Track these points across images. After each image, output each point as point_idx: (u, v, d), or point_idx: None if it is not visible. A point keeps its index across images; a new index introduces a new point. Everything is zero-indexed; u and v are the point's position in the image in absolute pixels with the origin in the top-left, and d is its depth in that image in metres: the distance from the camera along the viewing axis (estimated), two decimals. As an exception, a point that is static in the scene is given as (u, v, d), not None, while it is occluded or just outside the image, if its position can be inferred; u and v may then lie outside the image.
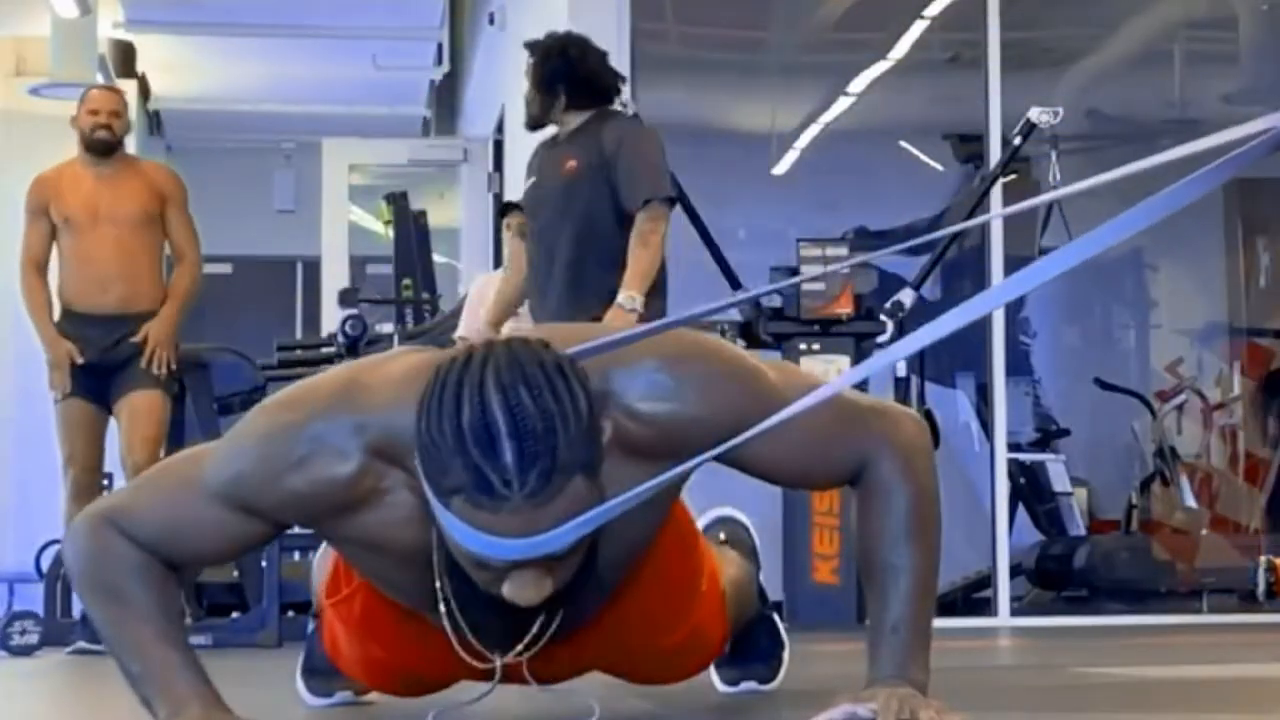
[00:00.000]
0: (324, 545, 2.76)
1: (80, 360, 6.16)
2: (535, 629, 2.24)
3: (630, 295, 5.26)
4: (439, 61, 12.04)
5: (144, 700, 2.20)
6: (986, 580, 7.97)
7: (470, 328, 7.29)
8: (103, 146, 6.41)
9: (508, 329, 7.17)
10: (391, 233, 10.25)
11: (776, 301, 7.23)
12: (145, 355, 6.17)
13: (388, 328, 8.76)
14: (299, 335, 11.72)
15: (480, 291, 7.78)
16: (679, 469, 1.94)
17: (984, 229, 7.93)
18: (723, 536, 3.07)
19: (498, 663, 2.30)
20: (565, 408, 1.89)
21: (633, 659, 2.70)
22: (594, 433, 1.93)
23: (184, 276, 6.38)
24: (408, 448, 2.00)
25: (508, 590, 1.97)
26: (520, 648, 2.26)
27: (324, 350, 8.06)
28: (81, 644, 5.96)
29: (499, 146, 10.43)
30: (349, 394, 2.14)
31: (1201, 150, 1.56)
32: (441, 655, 2.34)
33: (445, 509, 1.92)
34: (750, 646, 3.12)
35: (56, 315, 6.31)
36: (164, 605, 2.20)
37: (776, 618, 3.19)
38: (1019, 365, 9.60)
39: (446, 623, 2.22)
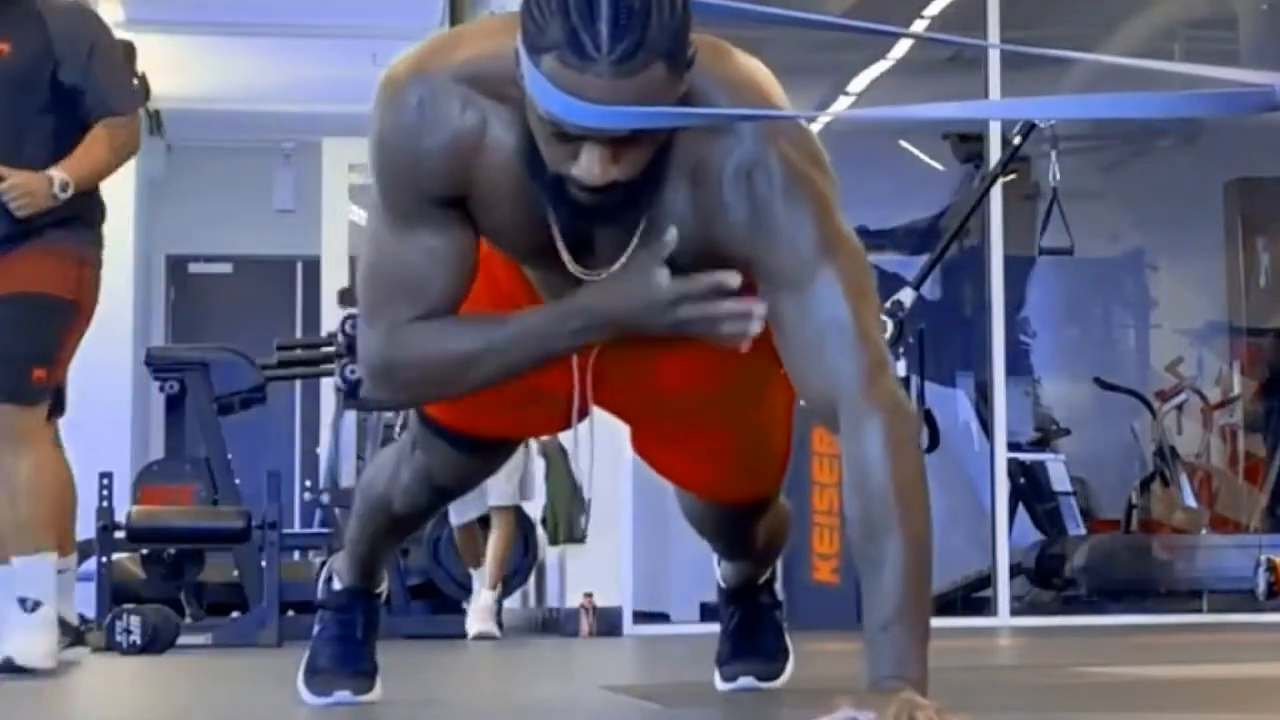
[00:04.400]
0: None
1: None
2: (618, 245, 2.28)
3: (65, 179, 4.41)
4: (439, 61, 12.03)
5: (551, 341, 2.29)
6: (986, 580, 7.97)
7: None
8: None
9: None
10: (391, 232, 10.25)
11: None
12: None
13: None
14: (299, 335, 11.73)
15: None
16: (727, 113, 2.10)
17: (984, 228, 7.94)
18: None
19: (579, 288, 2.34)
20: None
21: (697, 410, 2.69)
22: (684, 31, 2.06)
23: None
24: (502, 77, 2.15)
25: (577, 167, 2.08)
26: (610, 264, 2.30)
27: (324, 350, 8.05)
28: None
29: (499, 146, 10.43)
30: (434, 52, 2.29)
31: (1198, 75, 1.56)
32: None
33: (535, 68, 2.03)
34: (752, 642, 3.13)
35: None
36: (466, 319, 2.32)
37: (780, 618, 3.20)
38: (1019, 365, 9.61)
39: (555, 225, 2.26)
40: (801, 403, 2.35)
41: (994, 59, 7.92)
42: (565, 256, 2.30)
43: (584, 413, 2.56)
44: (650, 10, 2.01)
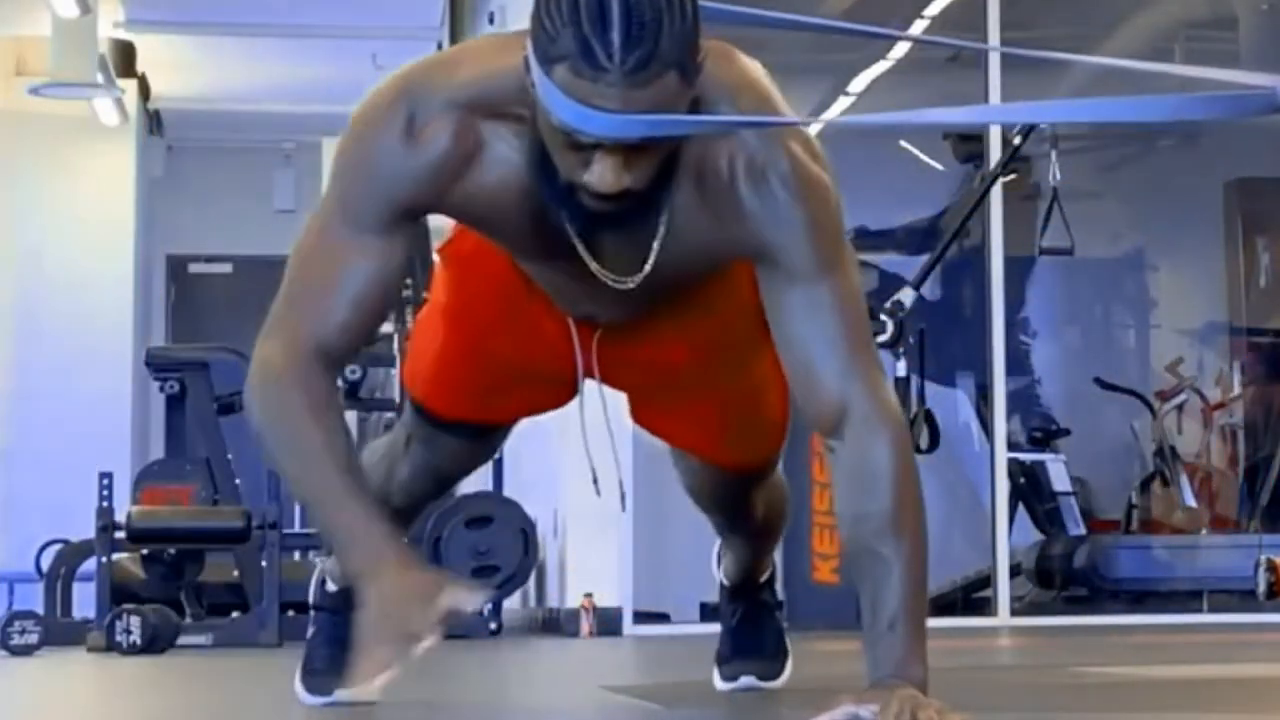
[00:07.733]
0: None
1: None
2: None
3: None
4: (439, 61, 12.04)
5: (337, 547, 2.28)
6: (986, 580, 7.97)
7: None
8: None
9: None
10: (391, 232, 10.24)
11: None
12: None
13: (387, 328, 8.75)
14: (299, 335, 11.71)
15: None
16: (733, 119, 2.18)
17: (984, 228, 7.93)
18: None
19: (572, 329, 2.51)
20: (675, 6, 2.04)
21: (693, 379, 2.70)
22: (695, 40, 2.08)
23: None
24: (504, 97, 2.19)
25: (590, 175, 2.09)
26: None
27: (324, 350, 8.03)
28: None
29: (499, 146, 10.43)
30: (432, 70, 2.31)
31: (1198, 78, 1.56)
32: (531, 323, 2.52)
33: (546, 77, 2.04)
34: (754, 641, 3.12)
35: None
36: (339, 448, 2.26)
37: (780, 617, 3.19)
38: (1019, 365, 9.60)
39: (573, 234, 2.26)
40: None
41: (994, 60, 7.91)
42: (590, 263, 2.32)
43: (589, 375, 2.61)
44: (662, 20, 2.03)
